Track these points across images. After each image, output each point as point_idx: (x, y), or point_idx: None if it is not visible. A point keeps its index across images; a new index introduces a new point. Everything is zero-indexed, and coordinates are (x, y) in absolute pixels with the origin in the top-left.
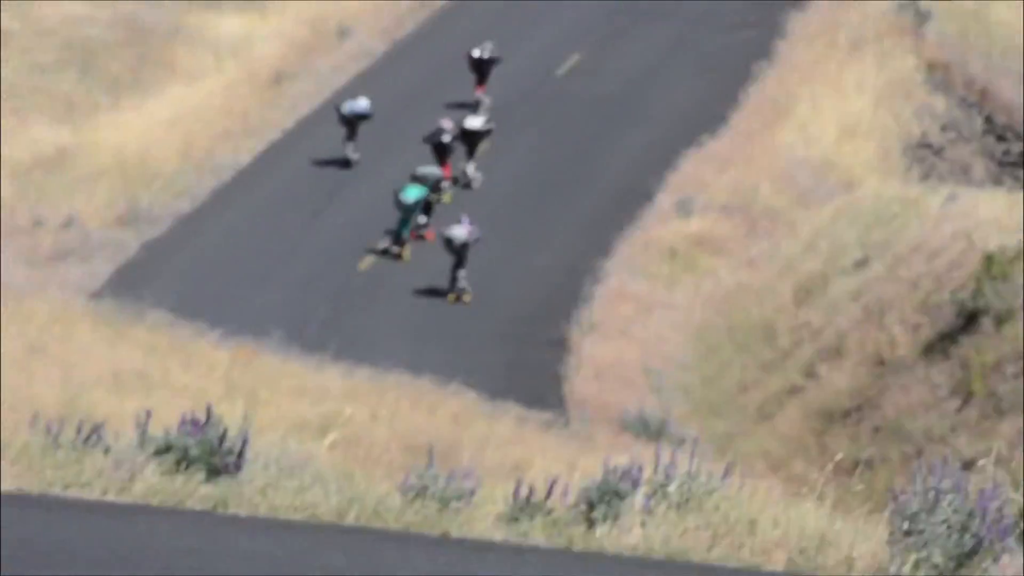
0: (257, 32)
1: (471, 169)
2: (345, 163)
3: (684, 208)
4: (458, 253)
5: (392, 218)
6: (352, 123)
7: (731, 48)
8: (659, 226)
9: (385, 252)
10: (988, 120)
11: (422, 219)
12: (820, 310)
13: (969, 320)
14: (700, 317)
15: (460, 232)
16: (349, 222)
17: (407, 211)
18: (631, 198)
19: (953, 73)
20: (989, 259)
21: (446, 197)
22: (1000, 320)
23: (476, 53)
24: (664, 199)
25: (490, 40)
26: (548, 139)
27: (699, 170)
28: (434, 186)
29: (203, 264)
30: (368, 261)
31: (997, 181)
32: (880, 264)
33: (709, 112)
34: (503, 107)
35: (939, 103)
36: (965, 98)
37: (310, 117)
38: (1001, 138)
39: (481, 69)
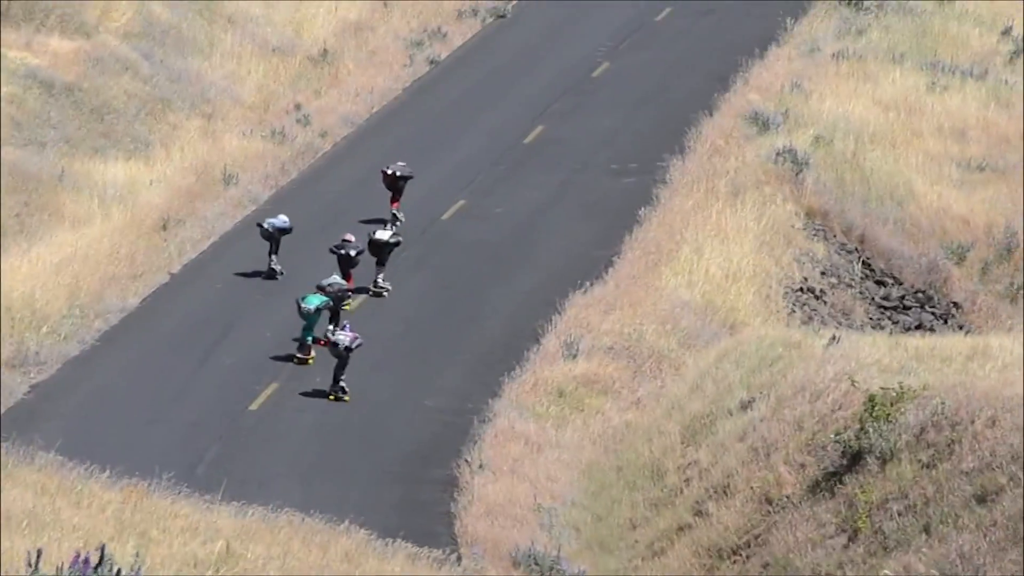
0: (143, 179)
1: (380, 279)
2: (271, 275)
3: (571, 350)
4: (341, 357)
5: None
6: (274, 238)
7: (614, 194)
8: (547, 367)
9: (291, 359)
10: (867, 265)
11: (330, 327)
12: (707, 449)
13: (854, 460)
14: (589, 456)
15: (344, 337)
16: (239, 363)
17: (308, 318)
18: (519, 340)
19: (832, 220)
20: (872, 400)
21: (347, 306)
22: (884, 459)
23: (390, 170)
24: (551, 341)
25: (402, 160)
26: (436, 282)
27: (585, 313)
28: (338, 297)
29: (92, 406)
30: (259, 400)
31: (878, 325)
32: (765, 405)
33: (594, 256)
34: None
35: (819, 248)
36: (844, 244)
37: (197, 261)
38: (880, 283)
39: (395, 186)
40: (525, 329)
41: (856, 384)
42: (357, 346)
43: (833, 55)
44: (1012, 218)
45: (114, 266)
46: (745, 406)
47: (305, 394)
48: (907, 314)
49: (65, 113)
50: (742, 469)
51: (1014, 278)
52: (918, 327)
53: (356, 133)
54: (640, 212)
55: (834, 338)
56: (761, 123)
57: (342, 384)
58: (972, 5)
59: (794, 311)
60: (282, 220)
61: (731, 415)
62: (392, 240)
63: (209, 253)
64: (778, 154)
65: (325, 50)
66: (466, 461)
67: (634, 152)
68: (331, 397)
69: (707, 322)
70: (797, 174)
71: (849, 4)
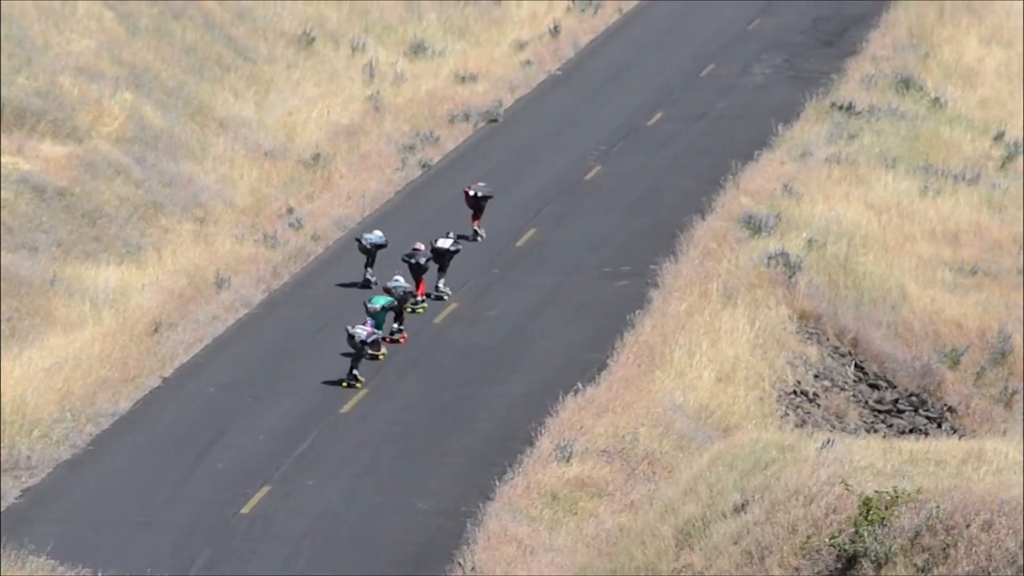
0: (135, 282)
1: (441, 284)
2: (365, 284)
3: (564, 452)
4: (357, 348)
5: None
6: (370, 252)
7: (607, 297)
8: (540, 470)
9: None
10: (860, 368)
11: (395, 326)
12: (702, 553)
13: (849, 564)
14: (583, 559)
15: (361, 331)
16: (231, 466)
17: (375, 316)
18: (512, 443)
19: (825, 323)
20: (866, 504)
21: (420, 309)
22: (879, 563)
23: (471, 191)
24: (544, 443)
25: (482, 181)
26: (429, 385)
27: (579, 416)
28: (401, 297)
29: (84, 510)
30: (251, 503)
31: (872, 428)
32: (759, 508)
33: (587, 359)
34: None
35: (812, 352)
36: (838, 347)
37: (189, 364)
38: (874, 386)
39: (477, 205)
40: (518, 432)
41: (850, 488)
42: (372, 341)
43: (825, 159)
44: (1006, 322)
45: (106, 370)
46: (739, 509)
47: (298, 497)
48: (901, 418)
49: (57, 217)
50: (736, 573)
51: (1008, 382)
52: (912, 431)
53: (348, 236)
54: (633, 315)
55: (828, 441)
56: (754, 226)
57: (355, 373)
58: (964, 110)
59: (788, 414)
60: (378, 236)
61: (725, 518)
62: (452, 248)
63: (201, 357)
64: (771, 257)
65: (317, 154)
66: (459, 564)
67: (627, 255)
68: (344, 384)
69: (701, 425)
70: (790, 277)
71: (841, 109)
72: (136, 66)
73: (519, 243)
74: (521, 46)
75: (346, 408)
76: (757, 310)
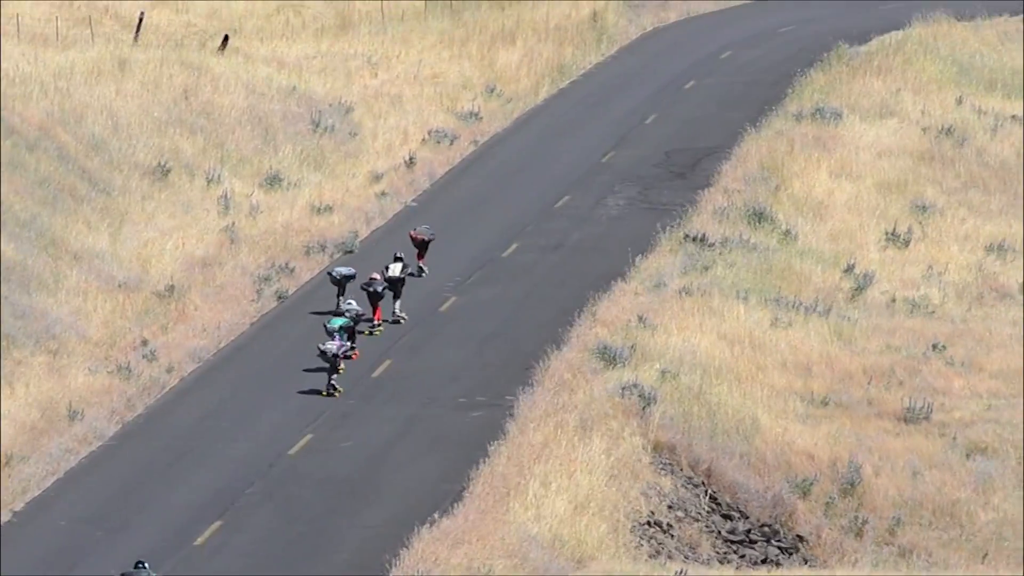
0: None
1: (397, 308)
2: (339, 314)
3: None
4: (330, 362)
5: None
6: (341, 283)
7: (463, 427)
8: None
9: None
10: (714, 499)
11: (348, 344)
12: None
13: None
14: None
15: (332, 346)
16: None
17: (331, 335)
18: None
19: (679, 453)
20: None
21: (378, 331)
22: None
23: (418, 234)
24: (396, 574)
25: (426, 224)
26: (283, 518)
27: (433, 547)
28: (354, 319)
29: None
30: None
31: (724, 559)
32: None
33: (443, 490)
34: (230, 491)
35: (666, 482)
36: (691, 478)
37: (40, 499)
38: (727, 516)
39: (423, 245)
40: (373, 564)
41: None
42: (344, 352)
43: (679, 290)
44: (855, 452)
45: None
46: None
47: None
48: (753, 548)
49: None
50: None
51: (858, 512)
52: (764, 561)
53: (203, 368)
54: (489, 446)
55: (681, 572)
56: (608, 357)
57: (334, 383)
58: (815, 242)
59: (641, 545)
60: (348, 269)
61: None
62: (402, 274)
63: (52, 491)
64: (625, 388)
65: (172, 285)
66: None
67: (483, 386)
68: (324, 394)
69: (555, 556)
70: (644, 408)
71: (694, 241)
72: None
73: (375, 374)
74: (377, 177)
75: (200, 541)
76: (612, 441)
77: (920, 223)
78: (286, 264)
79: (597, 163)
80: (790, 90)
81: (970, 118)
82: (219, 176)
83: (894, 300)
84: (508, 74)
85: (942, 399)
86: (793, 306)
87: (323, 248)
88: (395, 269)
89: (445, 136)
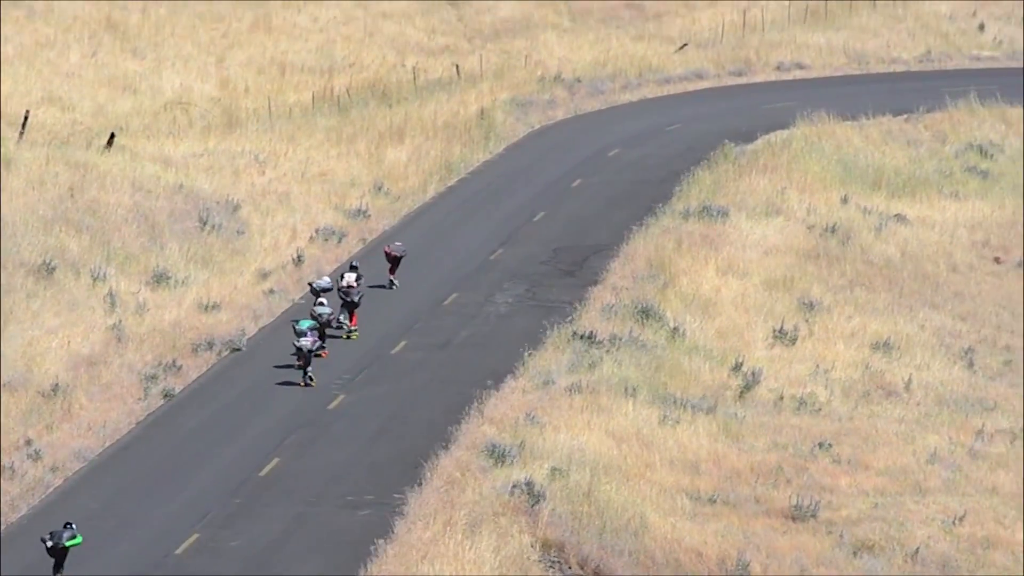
0: None
1: (342, 317)
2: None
3: None
4: (304, 358)
5: None
6: (318, 294)
7: (350, 526)
8: None
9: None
10: None
11: (319, 343)
12: None
13: None
14: None
15: (306, 342)
16: None
17: (300, 335)
18: None
19: (568, 552)
20: None
21: (354, 335)
22: None
23: (390, 251)
24: None
25: (399, 241)
26: None
27: None
28: (325, 322)
29: None
30: None
31: None
32: None
33: None
34: None
35: None
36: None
37: None
38: None
39: (395, 261)
40: None
41: None
42: (317, 348)
43: (567, 388)
44: (743, 551)
45: None
46: None
47: None
48: None
49: None
50: None
51: None
52: None
53: (88, 467)
54: (376, 544)
55: None
56: (497, 455)
57: (309, 374)
58: (702, 340)
59: None
60: (326, 280)
61: None
62: (357, 284)
63: None
64: (514, 486)
65: (57, 384)
66: None
67: (371, 484)
68: (302, 384)
69: None
70: (533, 506)
71: (582, 338)
72: None
73: (262, 472)
74: (264, 275)
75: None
76: (501, 538)
77: (807, 321)
78: (173, 362)
79: (486, 260)
80: (677, 188)
81: (855, 217)
82: (105, 274)
83: (781, 398)
84: (396, 172)
85: (829, 497)
86: (681, 404)
87: (211, 346)
88: (349, 278)
89: (333, 234)
